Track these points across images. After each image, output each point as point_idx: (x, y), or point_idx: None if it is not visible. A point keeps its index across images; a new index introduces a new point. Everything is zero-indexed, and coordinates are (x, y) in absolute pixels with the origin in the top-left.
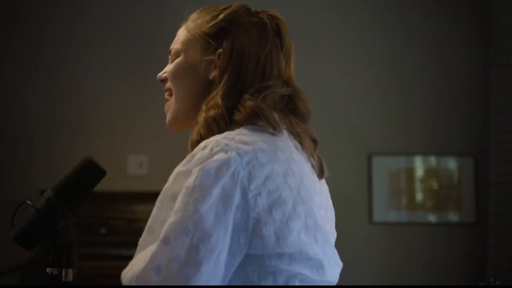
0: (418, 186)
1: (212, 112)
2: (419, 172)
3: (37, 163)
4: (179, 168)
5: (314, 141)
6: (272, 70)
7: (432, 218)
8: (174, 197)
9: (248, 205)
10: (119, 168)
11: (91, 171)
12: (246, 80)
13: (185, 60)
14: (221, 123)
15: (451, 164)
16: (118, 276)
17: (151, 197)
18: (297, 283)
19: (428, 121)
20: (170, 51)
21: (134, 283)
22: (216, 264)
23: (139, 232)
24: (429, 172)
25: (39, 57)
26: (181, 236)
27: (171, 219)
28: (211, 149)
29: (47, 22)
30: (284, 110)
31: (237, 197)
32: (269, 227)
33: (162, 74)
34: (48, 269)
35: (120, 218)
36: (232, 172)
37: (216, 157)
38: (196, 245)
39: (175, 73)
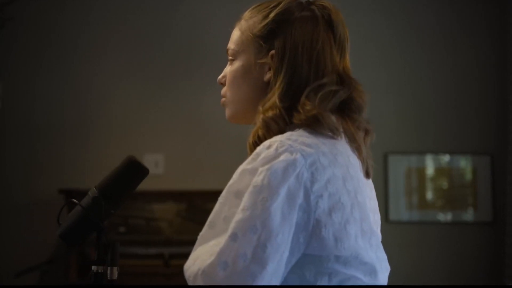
0: (434, 185)
1: (270, 113)
2: (435, 171)
3: (54, 163)
4: (244, 166)
5: (367, 132)
6: (325, 66)
7: (448, 217)
8: (237, 194)
9: (310, 206)
10: None
11: (134, 170)
12: (301, 80)
13: (241, 65)
14: (280, 123)
15: (467, 163)
16: (135, 274)
17: (168, 196)
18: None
19: (444, 120)
20: (227, 51)
21: (199, 278)
22: (280, 263)
23: (156, 231)
24: (445, 171)
25: (51, 56)
26: (249, 234)
27: (239, 216)
28: (276, 149)
29: (57, 22)
30: (343, 109)
31: (300, 198)
32: (329, 229)
33: (222, 78)
34: (93, 267)
35: (138, 217)
36: (297, 173)
37: (282, 157)
38: (263, 243)
39: (232, 80)
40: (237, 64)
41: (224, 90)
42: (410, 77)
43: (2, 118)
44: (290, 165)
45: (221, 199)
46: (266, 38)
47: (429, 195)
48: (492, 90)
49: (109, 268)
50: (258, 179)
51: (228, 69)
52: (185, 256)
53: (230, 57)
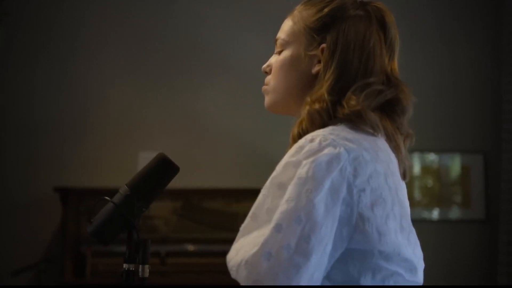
0: (423, 183)
1: (317, 106)
2: (425, 169)
3: (49, 161)
4: (287, 159)
5: (408, 135)
6: (374, 65)
7: (442, 215)
8: (281, 186)
9: (353, 200)
10: (130, 165)
11: (166, 168)
12: (349, 76)
13: (290, 55)
14: (324, 116)
15: (460, 161)
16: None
17: (164, 194)
18: (392, 282)
19: (438, 119)
20: (276, 41)
21: (242, 268)
22: (323, 255)
23: (152, 229)
24: (436, 170)
25: (47, 53)
26: (293, 225)
27: (284, 207)
28: (320, 143)
29: (54, 18)
30: (385, 109)
31: (343, 191)
32: (372, 223)
33: (267, 66)
34: (124, 265)
35: None
36: (341, 167)
37: (326, 151)
38: (307, 235)
39: (279, 69)
40: (285, 54)
41: (268, 78)
42: (402, 75)
43: None
44: (334, 158)
45: (263, 191)
46: (319, 31)
47: (418, 193)
48: (486, 88)
49: (140, 266)
50: (302, 171)
51: (274, 59)
52: (181, 254)
53: (278, 47)
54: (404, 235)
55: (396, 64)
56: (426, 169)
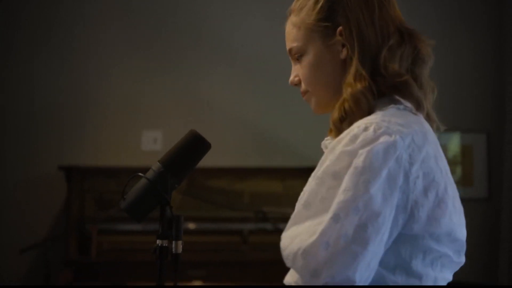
0: None
1: (359, 86)
2: None
3: (53, 140)
4: (341, 148)
5: (431, 88)
6: (388, 27)
7: None
8: (336, 176)
9: (409, 187)
10: (134, 143)
11: (198, 145)
12: (371, 46)
13: (312, 55)
14: (369, 97)
15: (463, 140)
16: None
17: None
18: (439, 266)
19: (441, 98)
20: (290, 51)
21: (299, 257)
22: (379, 244)
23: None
24: (442, 148)
25: (49, 33)
26: (351, 215)
27: (341, 197)
28: (374, 131)
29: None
30: (414, 69)
31: (400, 180)
32: (425, 208)
33: (294, 78)
34: (158, 241)
35: None
36: (397, 155)
37: (381, 139)
38: (364, 224)
39: (309, 74)
40: (308, 57)
41: (303, 87)
42: None
43: (1, 95)
44: (390, 147)
45: (316, 179)
46: (328, 18)
47: None
48: (489, 69)
49: (173, 242)
50: (359, 160)
51: (298, 67)
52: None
53: (296, 55)
54: (457, 215)
55: (399, 13)
56: None
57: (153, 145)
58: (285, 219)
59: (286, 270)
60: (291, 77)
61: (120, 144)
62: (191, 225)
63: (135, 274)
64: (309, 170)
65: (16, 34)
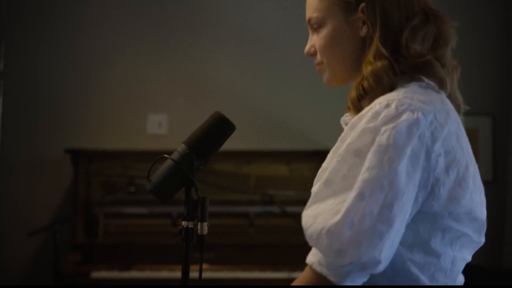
0: None
1: (379, 64)
2: None
3: (60, 123)
4: (364, 125)
5: (454, 67)
6: (413, 7)
7: None
8: (358, 153)
9: (430, 165)
10: (139, 127)
11: (222, 126)
12: (395, 26)
13: (331, 28)
14: (390, 74)
15: (468, 123)
16: (145, 233)
17: None
18: (458, 245)
19: None
20: (309, 21)
21: (323, 236)
22: (403, 223)
23: None
24: None
25: (55, 15)
26: (376, 193)
27: (366, 175)
28: (397, 108)
29: None
30: (436, 50)
31: (422, 157)
32: (446, 187)
33: (310, 48)
34: (183, 223)
35: (144, 177)
36: (420, 132)
37: (404, 116)
38: (390, 203)
39: (326, 46)
40: (327, 29)
41: (318, 58)
42: None
43: (6, 77)
44: (413, 124)
45: (338, 157)
46: None
47: None
48: (494, 51)
49: (199, 223)
50: (382, 138)
51: (315, 38)
52: None
53: (315, 26)
54: (477, 194)
55: None
56: None
57: (158, 128)
58: (291, 202)
59: (292, 252)
60: (307, 47)
61: (125, 128)
62: None
63: (142, 256)
64: (315, 153)
65: (21, 16)
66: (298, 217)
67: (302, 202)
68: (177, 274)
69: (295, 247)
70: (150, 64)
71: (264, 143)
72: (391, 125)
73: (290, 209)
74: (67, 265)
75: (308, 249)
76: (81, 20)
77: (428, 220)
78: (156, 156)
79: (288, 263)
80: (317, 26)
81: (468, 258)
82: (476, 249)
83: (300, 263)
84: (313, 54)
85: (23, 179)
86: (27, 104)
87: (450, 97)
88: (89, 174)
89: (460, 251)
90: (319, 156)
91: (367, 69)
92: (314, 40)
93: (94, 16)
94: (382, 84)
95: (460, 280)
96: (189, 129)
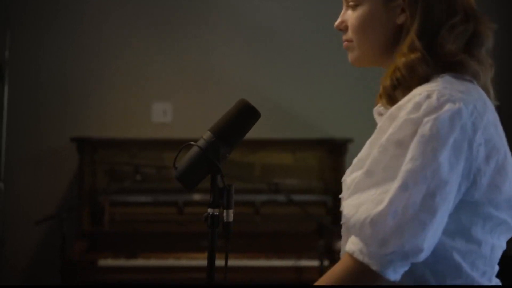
0: None
1: (413, 56)
2: None
3: (65, 111)
4: (405, 115)
5: (489, 66)
6: (456, 5)
7: None
8: (400, 144)
9: (472, 155)
10: (144, 115)
11: (248, 113)
12: (436, 19)
13: (369, 10)
14: (424, 66)
15: None
16: (150, 221)
17: (179, 144)
18: (497, 233)
19: None
20: None
21: (367, 225)
22: (445, 212)
23: (169, 179)
24: None
25: (60, 5)
26: (419, 184)
27: (409, 166)
28: (438, 99)
29: None
30: (466, 44)
31: (465, 148)
32: (486, 175)
33: (341, 23)
34: (209, 210)
35: (150, 165)
36: (462, 123)
37: (446, 107)
38: (433, 192)
39: (360, 26)
40: (364, 9)
41: (348, 35)
42: None
43: (11, 67)
44: (455, 115)
45: (379, 147)
46: None
47: None
48: (499, 44)
49: (224, 210)
50: (425, 128)
51: (349, 15)
52: (198, 203)
53: (351, 3)
54: None
55: None
56: None
57: (163, 117)
58: (297, 190)
59: (297, 240)
60: (338, 21)
61: (130, 116)
62: (196, 196)
63: (147, 244)
64: (320, 142)
65: (25, 5)
66: (303, 205)
67: (307, 190)
68: (183, 262)
69: (300, 235)
70: (155, 53)
71: (269, 132)
72: (433, 116)
73: (296, 197)
74: (74, 253)
75: (313, 236)
76: (86, 8)
77: (469, 209)
78: (160, 144)
79: (294, 251)
80: (353, 4)
81: (504, 245)
82: (510, 236)
83: (305, 251)
84: (342, 29)
85: (29, 168)
86: (33, 94)
87: (483, 89)
88: (95, 162)
89: (499, 238)
90: (324, 144)
91: (400, 60)
92: (347, 17)
93: (100, 5)
94: (417, 75)
95: (496, 268)
96: (194, 117)
